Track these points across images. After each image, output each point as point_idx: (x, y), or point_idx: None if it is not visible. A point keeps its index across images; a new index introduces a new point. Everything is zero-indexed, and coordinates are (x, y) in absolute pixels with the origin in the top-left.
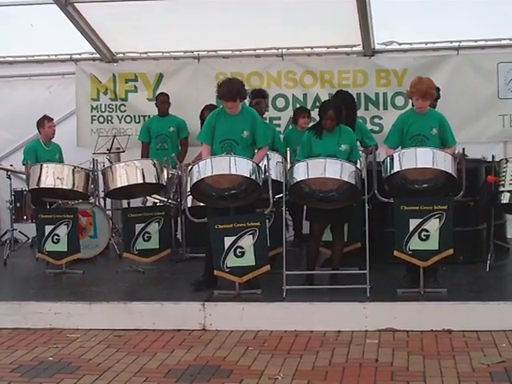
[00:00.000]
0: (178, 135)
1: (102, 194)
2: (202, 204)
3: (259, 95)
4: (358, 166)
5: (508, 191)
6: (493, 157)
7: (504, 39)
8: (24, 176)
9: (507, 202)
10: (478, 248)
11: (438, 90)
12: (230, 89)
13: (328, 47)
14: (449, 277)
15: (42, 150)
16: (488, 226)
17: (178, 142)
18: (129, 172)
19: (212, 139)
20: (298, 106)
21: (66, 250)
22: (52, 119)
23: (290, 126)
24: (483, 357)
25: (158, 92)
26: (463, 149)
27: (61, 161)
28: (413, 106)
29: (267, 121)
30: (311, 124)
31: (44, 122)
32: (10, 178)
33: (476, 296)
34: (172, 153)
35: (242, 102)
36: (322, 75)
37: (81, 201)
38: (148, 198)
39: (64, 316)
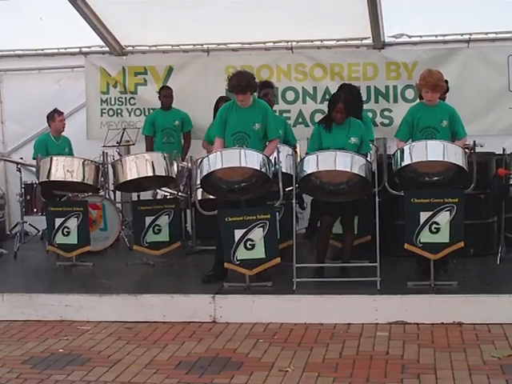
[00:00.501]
0: (182, 129)
1: (111, 187)
2: (211, 197)
3: (266, 86)
4: (369, 158)
5: None
6: (503, 150)
7: None
8: (34, 169)
9: None
10: (489, 241)
11: (445, 82)
12: (240, 81)
13: (338, 40)
14: (459, 269)
15: (52, 143)
16: (499, 218)
17: (182, 135)
18: (139, 165)
19: (224, 132)
20: (307, 99)
21: (76, 242)
22: (62, 113)
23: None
24: (494, 350)
25: (165, 85)
26: (474, 141)
27: (70, 154)
28: (421, 98)
29: (277, 113)
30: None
31: (54, 116)
32: (20, 171)
33: (487, 289)
34: (177, 146)
35: (252, 94)
36: (331, 68)
37: (91, 194)
38: (158, 190)
39: (74, 308)
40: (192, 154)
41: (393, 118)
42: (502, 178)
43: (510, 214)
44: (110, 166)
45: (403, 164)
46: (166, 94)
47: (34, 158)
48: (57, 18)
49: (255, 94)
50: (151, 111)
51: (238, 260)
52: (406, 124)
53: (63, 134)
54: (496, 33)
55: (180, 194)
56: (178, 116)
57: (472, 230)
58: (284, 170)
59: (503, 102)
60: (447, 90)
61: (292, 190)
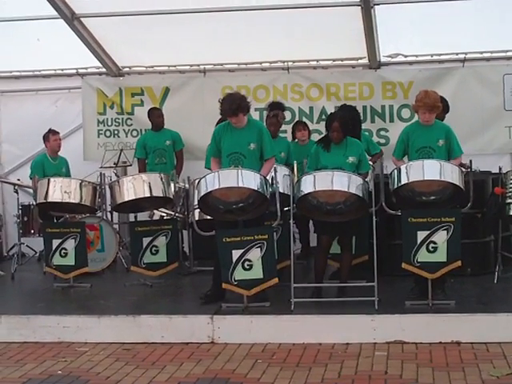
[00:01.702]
0: (174, 148)
1: (109, 208)
2: (209, 217)
3: (277, 107)
4: (366, 178)
5: None
6: (500, 168)
7: (510, 51)
8: (31, 190)
9: None
10: (486, 260)
11: (445, 101)
12: (231, 104)
13: (334, 60)
14: (457, 289)
15: (49, 163)
16: (495, 237)
17: (174, 154)
18: (136, 186)
19: (218, 152)
20: (304, 119)
21: (73, 263)
22: (57, 132)
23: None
24: (492, 369)
25: (163, 106)
26: (470, 161)
27: (67, 174)
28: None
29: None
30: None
31: (49, 136)
32: (18, 193)
33: (484, 308)
34: (170, 166)
35: (245, 115)
36: (327, 88)
37: (88, 215)
38: (155, 211)
39: (72, 329)
40: (189, 174)
41: (389, 138)
42: (499, 196)
43: (506, 233)
44: (107, 187)
45: (400, 183)
46: (159, 114)
47: (30, 178)
48: (54, 39)
49: (264, 113)
50: None
51: (235, 280)
52: (400, 142)
53: (60, 154)
54: (491, 52)
55: (177, 214)
56: (168, 136)
57: (469, 249)
58: (281, 190)
59: (499, 120)
60: (448, 110)
61: (289, 209)
